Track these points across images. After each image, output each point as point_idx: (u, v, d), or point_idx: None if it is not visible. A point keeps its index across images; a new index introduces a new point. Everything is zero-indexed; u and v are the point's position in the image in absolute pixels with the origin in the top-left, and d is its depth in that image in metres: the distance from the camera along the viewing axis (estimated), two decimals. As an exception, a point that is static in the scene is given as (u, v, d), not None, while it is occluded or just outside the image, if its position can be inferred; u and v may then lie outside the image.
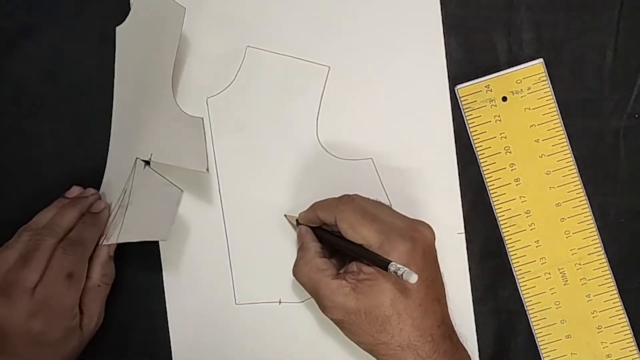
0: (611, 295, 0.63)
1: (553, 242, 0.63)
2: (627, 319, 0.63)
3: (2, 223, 0.60)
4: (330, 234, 0.59)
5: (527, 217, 0.63)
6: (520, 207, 0.63)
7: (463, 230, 0.63)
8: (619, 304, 0.63)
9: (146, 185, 0.60)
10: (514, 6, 0.63)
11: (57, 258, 0.57)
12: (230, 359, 0.64)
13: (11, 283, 0.56)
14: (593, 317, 0.62)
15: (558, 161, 0.63)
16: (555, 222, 0.63)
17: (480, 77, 0.63)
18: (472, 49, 0.63)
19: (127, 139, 0.62)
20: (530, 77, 0.63)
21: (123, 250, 0.62)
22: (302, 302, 0.63)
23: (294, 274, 0.59)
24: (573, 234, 0.63)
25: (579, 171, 0.63)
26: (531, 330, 0.63)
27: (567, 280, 0.63)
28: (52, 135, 0.64)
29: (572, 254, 0.63)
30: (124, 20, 0.63)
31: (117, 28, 0.62)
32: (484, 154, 0.63)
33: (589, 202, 0.63)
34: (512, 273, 0.63)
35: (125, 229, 0.60)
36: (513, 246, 0.63)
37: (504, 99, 0.63)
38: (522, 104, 0.63)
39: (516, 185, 0.63)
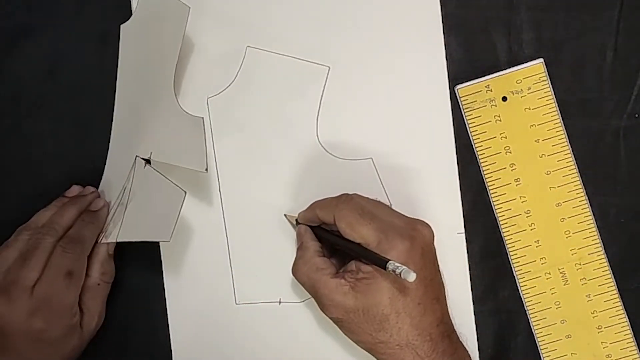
0: (611, 295, 0.63)
1: (553, 242, 0.63)
2: (627, 319, 0.63)
3: (2, 223, 0.60)
4: (329, 233, 0.59)
5: (527, 217, 0.63)
6: (520, 207, 0.63)
7: (463, 230, 0.63)
8: (619, 304, 0.63)
9: (147, 185, 0.60)
10: (514, 6, 0.63)
11: (56, 256, 0.57)
12: (230, 359, 0.64)
13: (11, 282, 0.56)
14: (593, 317, 0.62)
15: (558, 161, 0.63)
16: (555, 222, 0.63)
17: (480, 77, 0.63)
18: (472, 49, 0.63)
19: (128, 137, 0.62)
20: (530, 77, 0.63)
21: (123, 250, 0.62)
22: (302, 302, 0.63)
23: (293, 273, 0.59)
24: (573, 234, 0.63)
25: (579, 171, 0.63)
26: (531, 330, 0.63)
27: (567, 280, 0.63)
28: (52, 135, 0.64)
29: (572, 254, 0.63)
30: (124, 19, 0.62)
31: (122, 26, 0.62)
32: (484, 154, 0.63)
33: (589, 202, 0.63)
34: (512, 273, 0.63)
35: (125, 228, 0.60)
36: (513, 246, 0.63)
37: (504, 99, 0.63)
38: (522, 104, 0.63)
39: (516, 185, 0.63)
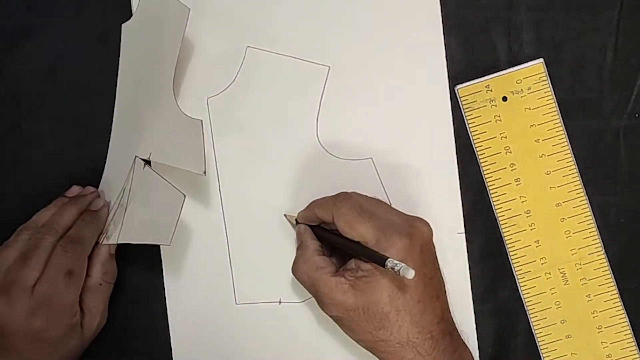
0: (611, 295, 0.63)
1: (553, 242, 0.63)
2: (627, 319, 0.63)
3: (2, 223, 0.60)
4: (328, 232, 0.59)
5: (527, 217, 0.63)
6: (520, 207, 0.63)
7: (463, 230, 0.63)
8: (619, 304, 0.63)
9: (146, 186, 0.60)
10: (514, 6, 0.63)
11: (57, 256, 0.57)
12: (230, 359, 0.64)
13: (11, 281, 0.56)
14: (593, 317, 0.62)
15: (558, 161, 0.63)
16: (555, 222, 0.63)
17: (480, 77, 0.63)
18: (472, 49, 0.63)
19: (127, 137, 0.62)
20: (530, 77, 0.63)
21: (123, 250, 0.62)
22: (302, 302, 0.63)
23: (293, 272, 0.59)
24: (573, 234, 0.63)
25: (579, 171, 0.63)
26: (531, 330, 0.63)
27: (567, 280, 0.63)
28: (52, 135, 0.64)
29: (572, 254, 0.63)
30: (124, 19, 0.62)
31: (123, 25, 0.62)
32: (484, 154, 0.63)
33: (589, 202, 0.63)
34: (512, 273, 0.63)
35: (126, 229, 0.60)
36: (513, 246, 0.63)
37: (504, 99, 0.63)
38: (522, 104, 0.63)
39: (516, 185, 0.63)
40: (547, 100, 0.63)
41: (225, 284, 0.63)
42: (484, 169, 0.63)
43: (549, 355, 0.63)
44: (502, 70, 0.63)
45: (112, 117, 0.63)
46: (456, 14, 0.63)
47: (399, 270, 0.51)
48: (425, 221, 0.58)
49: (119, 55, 0.63)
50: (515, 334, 0.63)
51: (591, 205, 0.63)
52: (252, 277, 0.63)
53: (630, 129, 0.63)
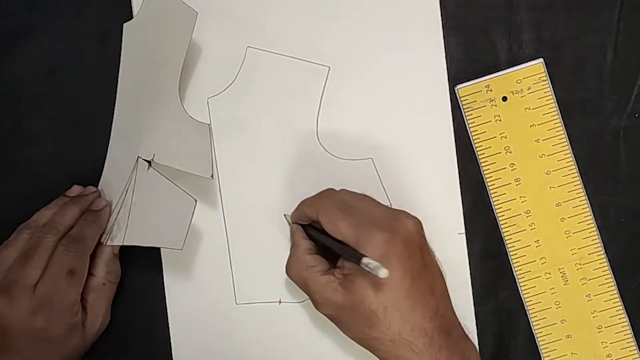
0: (611, 295, 0.63)
1: (553, 242, 0.63)
2: (627, 319, 0.63)
3: (2, 223, 0.60)
4: (317, 231, 0.59)
5: (527, 217, 0.63)
6: (520, 207, 0.63)
7: (463, 231, 0.63)
8: (619, 304, 0.63)
9: (153, 189, 0.60)
10: (514, 6, 0.63)
11: (58, 255, 0.57)
12: (230, 359, 0.64)
13: (12, 281, 0.56)
14: (593, 317, 0.62)
15: (558, 161, 0.63)
16: (555, 222, 0.63)
17: (480, 77, 0.63)
18: (472, 49, 0.63)
19: (129, 137, 0.62)
20: (530, 77, 0.63)
21: (123, 250, 0.62)
22: (302, 302, 0.63)
23: (287, 272, 0.59)
24: (573, 233, 0.63)
25: (579, 171, 0.63)
26: (531, 330, 0.63)
27: (567, 280, 0.63)
28: (52, 135, 0.64)
29: (572, 254, 0.63)
30: (124, 19, 0.62)
31: (125, 25, 0.62)
32: (484, 154, 0.63)
33: (589, 202, 0.63)
34: (512, 273, 0.63)
35: (132, 231, 0.60)
36: (513, 246, 0.63)
37: (504, 99, 0.63)
38: (522, 104, 0.63)
39: (516, 185, 0.63)
40: (547, 100, 0.63)
41: (225, 284, 0.63)
42: (484, 169, 0.63)
43: (549, 355, 0.63)
44: (502, 70, 0.63)
45: (112, 116, 0.63)
46: (456, 14, 0.63)
47: (372, 269, 0.51)
48: (410, 215, 0.57)
49: (119, 55, 0.63)
50: (515, 334, 0.63)
51: (591, 205, 0.63)
52: (252, 277, 0.63)
53: (630, 129, 0.63)
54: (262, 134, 0.63)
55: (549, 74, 0.63)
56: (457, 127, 0.63)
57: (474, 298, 0.63)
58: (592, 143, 0.63)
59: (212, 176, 0.58)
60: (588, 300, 0.63)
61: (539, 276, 0.63)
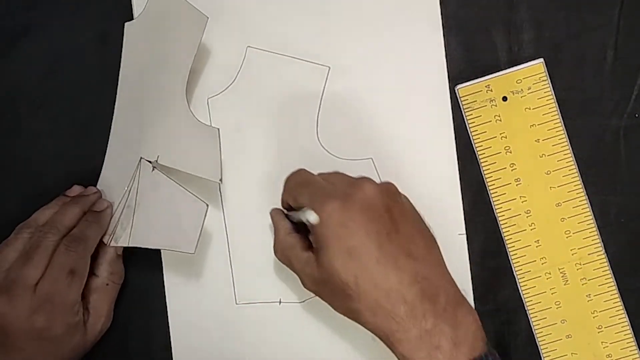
0: (611, 295, 0.63)
1: (553, 242, 0.63)
2: (627, 319, 0.63)
3: (2, 223, 0.60)
4: (292, 211, 0.59)
5: (527, 217, 0.63)
6: (520, 207, 0.63)
7: (464, 231, 0.63)
8: (619, 304, 0.63)
9: (158, 191, 0.60)
10: (514, 6, 0.63)
11: (60, 254, 0.57)
12: (230, 359, 0.64)
13: (12, 280, 0.56)
14: (593, 317, 0.62)
15: (558, 161, 0.63)
16: (555, 222, 0.63)
17: (480, 77, 0.63)
18: (472, 49, 0.63)
19: (130, 137, 0.62)
20: (530, 77, 0.63)
21: (123, 251, 0.62)
22: (302, 302, 0.63)
23: (275, 254, 0.59)
24: (573, 233, 0.63)
25: (579, 171, 0.63)
26: (531, 330, 0.63)
27: (567, 280, 0.63)
28: (52, 135, 0.64)
29: (572, 254, 0.63)
30: (124, 19, 0.62)
31: (127, 24, 0.62)
32: (484, 154, 0.63)
33: (589, 202, 0.63)
34: (512, 273, 0.63)
35: (137, 233, 0.60)
36: (513, 246, 0.63)
37: (504, 98, 0.63)
38: (522, 104, 0.63)
39: (516, 185, 0.63)
40: (547, 100, 0.63)
41: (225, 284, 0.63)
42: (484, 169, 0.63)
43: (549, 355, 0.63)
44: (502, 70, 0.63)
45: (112, 116, 0.63)
46: (456, 14, 0.63)
47: (308, 219, 0.50)
48: (371, 180, 0.54)
49: (119, 55, 0.63)
50: (515, 334, 0.63)
51: (591, 205, 0.63)
52: (252, 277, 0.63)
53: (630, 129, 0.63)
54: (262, 134, 0.63)
55: (549, 74, 0.63)
56: (457, 127, 0.63)
57: (474, 298, 0.63)
58: (592, 143, 0.63)
59: (221, 180, 0.59)
60: (588, 300, 0.63)
61: (539, 276, 0.63)
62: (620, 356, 0.62)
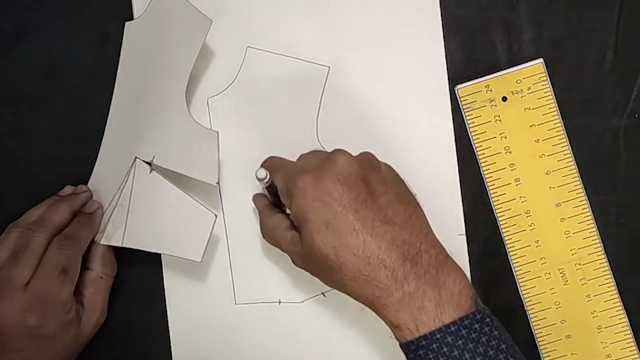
0: (611, 295, 0.63)
1: (553, 242, 0.63)
2: (627, 319, 0.63)
3: (2, 223, 0.60)
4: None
5: (527, 217, 0.63)
6: (520, 207, 0.63)
7: (464, 232, 0.63)
8: (619, 304, 0.63)
9: (160, 195, 0.60)
10: (514, 6, 0.63)
11: (52, 252, 0.57)
12: (230, 359, 0.64)
13: (3, 280, 0.56)
14: (593, 317, 0.62)
15: (558, 161, 0.63)
16: (555, 222, 0.63)
17: (480, 77, 0.63)
18: (472, 49, 0.63)
19: (125, 136, 0.62)
20: (530, 77, 0.63)
21: (124, 251, 0.62)
22: (302, 302, 0.63)
23: (263, 237, 0.59)
24: (573, 234, 0.63)
25: (579, 171, 0.63)
26: (531, 330, 0.63)
27: (567, 280, 0.63)
28: (52, 135, 0.64)
29: (572, 254, 0.63)
30: (124, 19, 0.62)
31: (127, 23, 0.62)
32: (484, 154, 0.63)
33: (589, 202, 0.63)
34: (512, 273, 0.63)
35: (132, 234, 0.60)
36: (513, 246, 0.63)
37: (504, 99, 0.63)
38: (522, 104, 0.63)
39: (516, 185, 0.63)
40: (547, 100, 0.63)
41: (225, 284, 0.63)
42: (484, 169, 0.63)
43: (549, 355, 0.63)
44: (502, 70, 0.63)
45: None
46: (456, 14, 0.63)
47: (257, 178, 0.52)
48: (344, 151, 0.54)
49: (119, 55, 0.63)
50: (515, 334, 0.63)
51: (591, 205, 0.63)
52: (252, 277, 0.63)
53: (630, 129, 0.63)
54: (262, 134, 0.63)
55: (549, 74, 0.63)
56: (457, 127, 0.63)
57: (473, 298, 0.63)
58: (592, 143, 0.63)
59: (218, 183, 0.59)
60: (588, 301, 0.63)
61: (539, 276, 0.63)
62: (620, 356, 0.63)
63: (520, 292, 0.63)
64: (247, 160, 0.63)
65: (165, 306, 0.64)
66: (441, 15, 0.63)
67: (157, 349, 0.63)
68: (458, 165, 0.63)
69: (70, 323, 0.59)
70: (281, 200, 0.57)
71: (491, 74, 0.63)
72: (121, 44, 0.62)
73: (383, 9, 0.63)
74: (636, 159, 0.63)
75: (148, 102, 0.61)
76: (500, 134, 0.63)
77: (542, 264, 0.63)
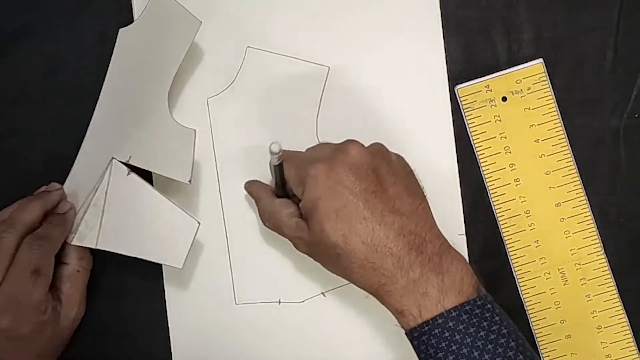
0: (611, 295, 0.63)
1: (553, 242, 0.63)
2: (627, 319, 0.63)
3: (2, 223, 0.60)
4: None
5: (527, 217, 0.63)
6: (520, 207, 0.63)
7: (464, 232, 0.63)
8: (619, 304, 0.63)
9: (138, 199, 0.59)
10: (514, 6, 0.63)
11: (23, 252, 0.56)
12: (230, 359, 0.64)
13: None
14: (593, 317, 0.62)
15: (558, 161, 0.63)
16: (555, 222, 0.63)
17: (480, 77, 0.63)
18: (472, 49, 0.63)
19: (106, 137, 0.61)
20: (530, 77, 0.63)
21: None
22: (302, 302, 0.63)
23: (263, 223, 0.59)
24: (573, 234, 0.63)
25: (578, 171, 0.63)
26: (531, 330, 0.63)
27: (566, 280, 0.63)
28: (52, 135, 0.64)
29: (572, 254, 0.63)
30: (124, 19, 0.62)
31: (121, 30, 0.61)
32: (484, 154, 0.63)
33: (589, 202, 0.63)
34: (512, 273, 0.63)
35: (107, 236, 0.59)
36: (513, 246, 0.63)
37: (504, 99, 0.63)
38: (522, 104, 0.63)
39: (516, 185, 0.63)
40: (546, 100, 0.63)
41: (225, 284, 0.63)
42: (483, 169, 0.63)
43: (549, 355, 0.63)
44: (502, 70, 0.63)
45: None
46: (456, 14, 0.63)
47: (270, 151, 0.51)
48: (357, 142, 0.55)
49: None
50: (515, 333, 0.63)
51: (591, 205, 0.63)
52: (252, 277, 0.63)
53: (630, 129, 0.63)
54: (262, 134, 0.63)
55: (548, 74, 0.63)
56: (457, 127, 0.63)
57: (473, 298, 0.63)
58: (592, 143, 0.63)
59: (190, 181, 0.58)
60: (588, 301, 0.63)
61: (539, 276, 0.63)
62: (620, 356, 0.63)
63: (520, 292, 0.63)
64: (247, 160, 0.63)
65: (165, 306, 0.64)
66: (441, 15, 0.63)
67: (157, 349, 0.63)
68: (458, 165, 0.63)
69: (46, 322, 0.58)
70: (289, 188, 0.57)
71: (491, 74, 0.63)
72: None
73: (383, 9, 0.63)
74: (636, 159, 0.63)
75: (131, 103, 0.61)
76: (500, 134, 0.63)
77: (542, 264, 0.63)
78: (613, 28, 0.63)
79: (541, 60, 0.63)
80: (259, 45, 0.63)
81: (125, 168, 0.60)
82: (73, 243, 0.60)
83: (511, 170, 0.63)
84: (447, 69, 0.63)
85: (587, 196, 0.63)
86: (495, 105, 0.63)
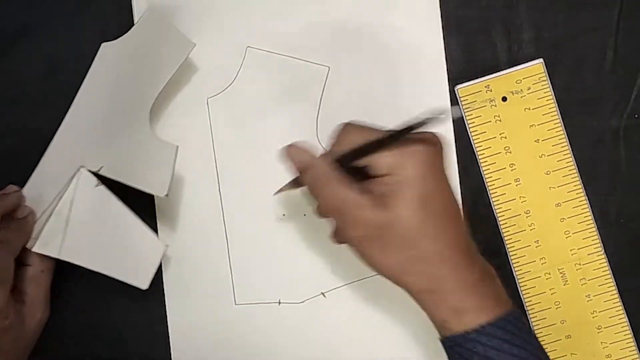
0: (611, 295, 0.63)
1: (553, 242, 0.63)
2: (627, 319, 0.63)
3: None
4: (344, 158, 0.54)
5: (527, 217, 0.63)
6: (520, 207, 0.63)
7: (463, 231, 0.63)
8: (619, 304, 0.63)
9: (106, 213, 0.59)
10: (514, 6, 0.63)
11: None
12: (230, 359, 0.64)
13: None
14: (593, 317, 0.62)
15: (558, 161, 0.63)
16: (555, 222, 0.63)
17: (480, 77, 0.63)
18: (472, 49, 0.63)
19: (75, 144, 0.60)
20: (530, 77, 0.63)
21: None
22: (302, 302, 0.63)
23: (312, 190, 0.53)
24: (573, 234, 0.63)
25: (578, 171, 0.63)
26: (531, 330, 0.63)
27: (567, 281, 0.63)
28: (52, 135, 0.64)
29: (572, 254, 0.63)
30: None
31: (103, 44, 0.60)
32: (484, 154, 0.63)
33: (589, 202, 0.63)
34: (512, 273, 0.63)
35: (71, 247, 0.58)
36: (513, 246, 0.63)
37: (504, 99, 0.63)
38: (522, 104, 0.63)
39: (516, 185, 0.63)
40: (547, 100, 0.63)
41: (225, 284, 0.63)
42: (484, 169, 0.63)
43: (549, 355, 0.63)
44: (502, 70, 0.63)
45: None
46: (456, 14, 0.63)
47: (440, 113, 0.48)
48: (437, 135, 0.53)
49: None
50: (515, 334, 0.63)
51: (591, 205, 0.63)
52: (252, 278, 0.63)
53: (630, 129, 0.63)
54: (261, 134, 0.63)
55: (548, 74, 0.63)
56: (457, 127, 0.63)
57: (473, 298, 0.63)
58: (592, 143, 0.63)
59: (167, 195, 0.58)
60: (588, 301, 0.63)
61: (539, 276, 0.63)
62: (620, 356, 0.63)
63: (520, 292, 0.63)
64: (247, 160, 0.63)
65: (165, 307, 0.64)
66: (441, 15, 0.63)
67: (157, 350, 0.63)
68: (458, 165, 0.63)
69: (8, 328, 0.56)
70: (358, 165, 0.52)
71: (491, 74, 0.63)
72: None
73: (383, 9, 0.63)
74: (636, 159, 0.63)
75: (109, 114, 0.60)
76: (500, 134, 0.63)
77: (542, 264, 0.63)
78: (613, 28, 0.63)
79: (541, 60, 0.63)
80: (258, 45, 0.63)
81: (94, 178, 0.59)
82: (34, 250, 0.58)
83: (511, 170, 0.63)
84: (447, 69, 0.63)
85: (587, 196, 0.63)
86: (495, 105, 0.63)
